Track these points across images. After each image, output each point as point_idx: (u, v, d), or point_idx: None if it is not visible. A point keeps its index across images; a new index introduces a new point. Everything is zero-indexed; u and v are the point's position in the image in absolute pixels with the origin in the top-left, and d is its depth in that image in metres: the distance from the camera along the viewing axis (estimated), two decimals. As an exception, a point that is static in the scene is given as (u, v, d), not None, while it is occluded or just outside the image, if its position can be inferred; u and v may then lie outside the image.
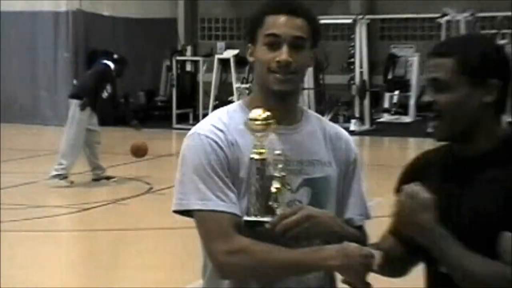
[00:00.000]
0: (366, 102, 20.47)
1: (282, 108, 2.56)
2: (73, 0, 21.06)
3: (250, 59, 2.59)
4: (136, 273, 8.08)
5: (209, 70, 21.13)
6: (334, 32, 22.31)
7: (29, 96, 21.31)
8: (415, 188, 2.38)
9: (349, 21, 20.89)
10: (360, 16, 21.00)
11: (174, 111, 21.02)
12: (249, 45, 2.60)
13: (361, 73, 20.53)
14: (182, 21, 24.52)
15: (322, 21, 22.18)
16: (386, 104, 21.66)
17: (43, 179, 12.51)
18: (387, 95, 21.69)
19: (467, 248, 2.34)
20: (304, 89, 20.62)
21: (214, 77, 20.60)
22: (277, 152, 2.47)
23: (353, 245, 2.43)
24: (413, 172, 2.58)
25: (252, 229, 2.45)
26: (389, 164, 14.03)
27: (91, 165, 12.66)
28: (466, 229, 2.37)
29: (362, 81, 20.49)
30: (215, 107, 20.03)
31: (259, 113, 2.45)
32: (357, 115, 20.29)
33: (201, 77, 21.47)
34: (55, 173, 12.20)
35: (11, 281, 7.35)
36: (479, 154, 2.43)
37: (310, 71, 20.76)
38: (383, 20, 22.66)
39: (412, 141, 17.94)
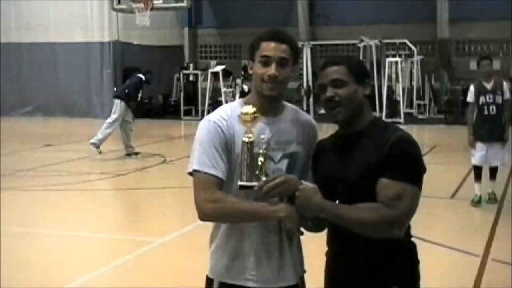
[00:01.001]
0: (311, 100, 20.61)
1: (270, 105, 2.56)
2: (113, 33, 21.02)
3: (250, 72, 2.57)
4: (155, 218, 8.14)
5: (205, 79, 21.10)
6: (289, 53, 22.32)
7: (85, 99, 21.30)
8: (304, 185, 2.42)
9: (299, 45, 20.94)
10: (306, 42, 21.11)
11: (182, 107, 21.03)
12: (250, 62, 2.58)
13: (307, 80, 20.67)
14: (187, 47, 24.42)
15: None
16: (324, 101, 21.71)
17: (92, 155, 12.63)
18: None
19: (355, 199, 2.35)
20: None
21: (208, 84, 20.61)
22: (262, 136, 2.48)
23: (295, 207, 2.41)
24: (318, 149, 2.62)
25: (244, 190, 2.43)
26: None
27: (125, 145, 12.70)
28: (354, 183, 2.40)
29: (308, 86, 20.61)
30: (209, 105, 20.26)
31: (248, 109, 2.44)
32: (305, 109, 20.39)
33: (199, 85, 21.41)
34: (92, 141, 12.59)
35: (63, 227, 7.47)
36: (357, 131, 2.48)
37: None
38: (321, 45, 22.67)
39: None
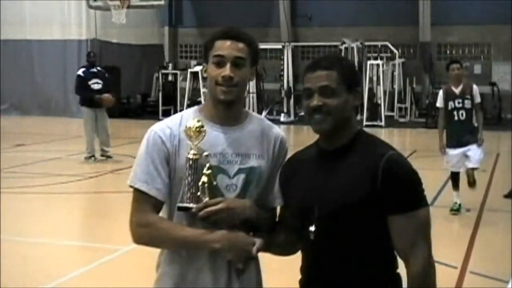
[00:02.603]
0: (291, 101, 20.36)
1: (227, 112, 2.28)
2: (91, 31, 20.64)
3: (204, 74, 2.31)
4: (123, 224, 7.86)
5: (185, 79, 20.80)
6: (270, 53, 22.13)
7: (61, 97, 20.91)
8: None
9: (280, 46, 20.75)
10: (287, 43, 20.89)
11: (160, 107, 20.67)
12: (204, 63, 2.32)
13: (288, 82, 20.45)
14: (166, 46, 24.18)
15: (262, 46, 22.23)
16: (305, 103, 21.55)
17: (64, 155, 12.25)
18: (305, 97, 21.55)
19: (334, 231, 2.11)
20: (249, 93, 20.56)
21: (187, 84, 20.30)
22: (206, 153, 2.21)
23: (241, 234, 2.20)
24: (290, 166, 2.32)
25: (183, 212, 2.20)
26: (307, 144, 13.85)
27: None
28: (333, 212, 2.12)
29: (289, 87, 20.39)
30: (188, 105, 19.94)
31: (193, 123, 2.20)
32: (285, 110, 20.20)
33: (179, 85, 21.08)
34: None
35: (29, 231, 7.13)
36: (338, 147, 2.18)
37: (253, 81, 20.73)
38: (302, 46, 22.51)
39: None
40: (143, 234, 2.23)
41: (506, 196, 9.15)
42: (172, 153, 2.24)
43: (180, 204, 2.20)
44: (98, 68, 12.35)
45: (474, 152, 7.93)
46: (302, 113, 21.63)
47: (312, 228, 2.14)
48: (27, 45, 20.94)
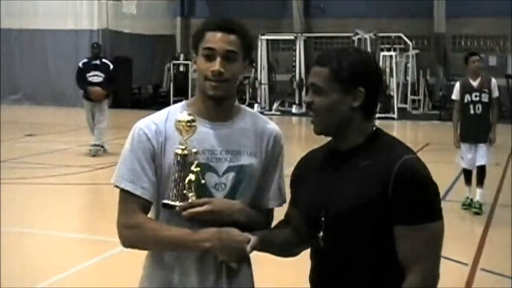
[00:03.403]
0: (303, 93, 20.18)
1: (216, 108, 2.14)
2: (103, 21, 20.57)
3: (194, 66, 2.16)
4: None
5: (196, 70, 20.72)
6: (282, 45, 22.00)
7: (74, 88, 20.64)
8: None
9: (292, 37, 20.59)
10: (300, 35, 20.72)
11: (172, 98, 20.46)
12: (194, 55, 2.18)
13: (300, 73, 20.28)
14: (178, 36, 24.07)
15: (274, 37, 22.03)
16: (317, 95, 21.38)
17: (73, 146, 12.18)
18: (318, 88, 21.38)
19: (341, 236, 1.95)
20: (261, 84, 20.42)
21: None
22: (194, 150, 2.07)
23: (233, 231, 2.06)
24: (301, 166, 2.17)
25: (168, 210, 2.08)
26: (319, 136, 13.66)
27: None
28: (339, 216, 1.96)
29: (301, 79, 20.22)
30: (200, 96, 19.87)
31: (184, 116, 2.06)
32: (297, 102, 20.04)
33: (190, 76, 20.91)
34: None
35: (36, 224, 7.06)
36: (350, 148, 2.01)
37: (265, 71, 20.58)
38: (315, 37, 22.33)
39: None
40: (130, 236, 2.12)
41: (520, 191, 8.95)
42: (158, 150, 2.12)
43: (165, 201, 2.08)
44: (103, 60, 12.09)
45: (483, 151, 7.72)
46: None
47: (320, 234, 1.99)
48: (40, 35, 20.93)
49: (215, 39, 2.10)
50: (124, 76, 20.80)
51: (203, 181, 2.09)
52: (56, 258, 6.06)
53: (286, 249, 2.21)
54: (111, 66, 11.93)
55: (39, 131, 14.53)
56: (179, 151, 2.06)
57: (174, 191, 2.06)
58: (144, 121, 2.17)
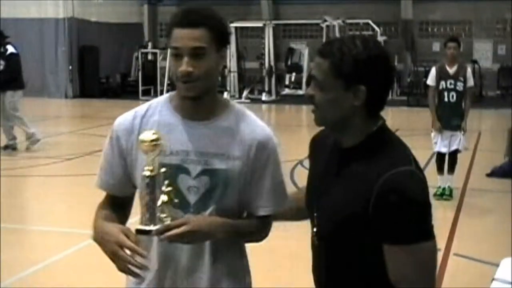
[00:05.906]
0: (273, 80, 20.17)
1: (193, 107, 2.03)
2: (68, 10, 20.20)
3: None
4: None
5: (164, 59, 20.37)
6: (251, 32, 21.90)
7: (39, 77, 20.49)
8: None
9: (261, 25, 20.51)
10: (268, 22, 20.65)
11: (140, 87, 20.38)
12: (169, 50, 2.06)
13: (269, 60, 20.24)
14: (146, 24, 23.80)
15: (243, 25, 21.83)
16: (286, 82, 21.38)
17: (46, 137, 11.96)
18: (287, 76, 21.37)
19: (333, 242, 1.88)
20: (230, 72, 20.33)
21: (167, 64, 19.98)
22: (163, 169, 1.94)
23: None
24: (314, 144, 2.07)
25: (143, 235, 1.95)
26: (289, 123, 13.80)
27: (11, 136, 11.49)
28: (332, 222, 1.87)
29: (270, 66, 20.18)
30: (168, 85, 19.73)
31: (148, 136, 1.92)
32: (266, 89, 20.01)
33: (159, 64, 20.75)
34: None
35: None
36: (347, 148, 1.87)
37: (234, 59, 20.47)
38: (284, 24, 22.28)
39: (304, 108, 17.60)
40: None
41: (489, 175, 9.08)
42: (128, 147, 2.08)
43: (139, 227, 1.95)
44: (7, 47, 11.32)
45: (455, 136, 7.78)
46: (284, 92, 21.60)
47: (314, 230, 1.94)
48: (2, 24, 20.45)
49: (180, 36, 1.96)
50: (91, 65, 20.57)
51: (176, 200, 1.97)
52: (29, 252, 5.96)
53: (291, 216, 2.21)
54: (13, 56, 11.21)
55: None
56: (147, 173, 1.94)
57: (147, 215, 1.93)
58: (121, 117, 2.14)
